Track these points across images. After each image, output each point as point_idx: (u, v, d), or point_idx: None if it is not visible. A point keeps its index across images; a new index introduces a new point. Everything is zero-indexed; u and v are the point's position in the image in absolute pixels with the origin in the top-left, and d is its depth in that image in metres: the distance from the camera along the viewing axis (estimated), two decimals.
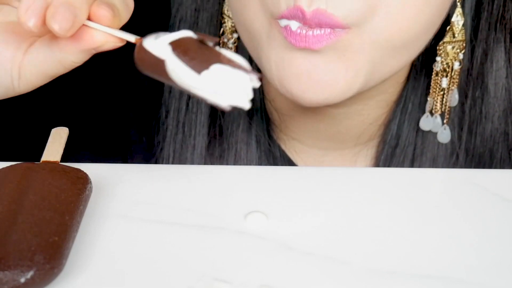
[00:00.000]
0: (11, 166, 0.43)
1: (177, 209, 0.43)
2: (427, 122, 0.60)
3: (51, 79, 0.46)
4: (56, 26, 0.41)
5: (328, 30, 0.48)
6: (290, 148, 0.64)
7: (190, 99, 0.62)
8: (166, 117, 0.63)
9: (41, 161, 0.44)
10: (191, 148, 0.62)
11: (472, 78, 0.60)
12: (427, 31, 0.52)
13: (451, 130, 0.61)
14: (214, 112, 0.62)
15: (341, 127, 0.61)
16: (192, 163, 0.62)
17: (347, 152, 0.63)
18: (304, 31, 0.48)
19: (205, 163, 0.62)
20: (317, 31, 0.48)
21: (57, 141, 0.46)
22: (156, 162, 0.63)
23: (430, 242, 0.41)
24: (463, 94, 0.60)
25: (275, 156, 0.62)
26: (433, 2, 0.50)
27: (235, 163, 0.61)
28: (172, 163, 0.62)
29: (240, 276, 0.38)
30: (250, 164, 0.61)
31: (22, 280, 0.35)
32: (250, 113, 0.62)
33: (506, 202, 0.45)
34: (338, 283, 0.38)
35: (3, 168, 0.43)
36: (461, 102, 0.60)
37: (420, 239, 0.42)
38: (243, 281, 0.38)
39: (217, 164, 0.62)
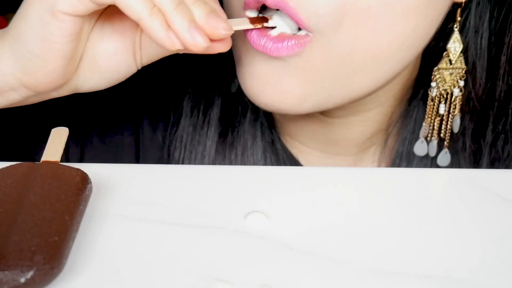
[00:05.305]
0: (11, 166, 0.43)
1: (177, 209, 0.43)
2: (421, 148, 0.59)
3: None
4: (223, 31, 0.45)
5: (292, 41, 0.48)
6: (292, 148, 0.64)
7: (202, 100, 0.62)
8: (181, 110, 0.63)
9: (41, 161, 0.44)
10: (203, 142, 0.62)
11: (494, 113, 0.58)
12: (400, 50, 0.51)
13: (458, 156, 0.59)
14: (224, 109, 0.62)
15: (340, 135, 0.61)
16: (204, 151, 0.62)
17: (350, 159, 0.63)
18: (263, 40, 0.49)
19: (216, 151, 0.62)
20: (278, 44, 0.48)
21: (57, 141, 0.46)
22: (168, 148, 0.63)
23: (430, 242, 0.41)
24: (478, 124, 0.59)
25: (278, 152, 0.62)
26: (405, 20, 0.49)
27: (242, 156, 0.62)
28: (185, 147, 0.62)
29: (240, 276, 0.38)
30: (256, 157, 0.61)
31: (22, 280, 0.35)
32: (254, 113, 0.62)
33: (506, 202, 0.45)
34: (338, 283, 0.38)
35: (3, 168, 0.43)
36: (474, 131, 0.59)
37: (420, 239, 0.42)
38: (243, 281, 0.38)
39: (227, 152, 0.62)
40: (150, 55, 0.50)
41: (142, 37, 0.49)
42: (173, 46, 0.44)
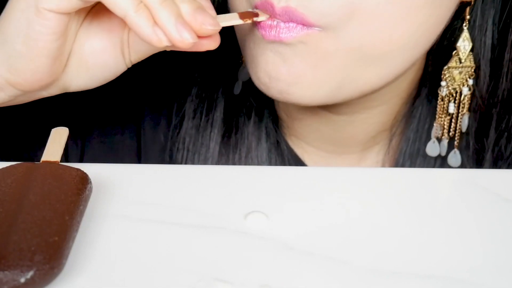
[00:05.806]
0: (11, 166, 0.43)
1: (177, 209, 0.43)
2: (433, 148, 0.59)
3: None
4: (210, 27, 0.45)
5: (301, 26, 0.48)
6: (297, 149, 0.64)
7: (205, 101, 0.62)
8: (183, 112, 0.63)
9: (41, 161, 0.44)
10: (206, 144, 0.62)
11: (497, 112, 0.58)
12: (408, 46, 0.51)
13: (462, 155, 0.59)
14: (228, 110, 0.62)
15: (345, 133, 0.61)
16: (207, 153, 0.62)
17: (354, 158, 0.63)
18: (275, 22, 0.48)
19: (219, 153, 0.62)
20: (289, 24, 0.48)
21: (57, 141, 0.46)
22: (170, 151, 0.63)
23: (431, 242, 0.41)
24: (481, 123, 0.59)
25: (283, 153, 0.62)
26: (412, 17, 0.49)
27: (246, 158, 0.62)
28: (188, 149, 0.62)
29: (240, 276, 0.38)
30: (260, 159, 0.61)
31: (22, 280, 0.35)
32: (259, 113, 0.62)
33: (507, 202, 0.45)
34: (338, 283, 0.38)
35: (3, 168, 0.43)
36: (477, 130, 0.59)
37: (421, 239, 0.41)
38: (243, 281, 0.38)
39: (231, 154, 0.62)
40: (138, 53, 0.50)
41: (130, 35, 0.49)
42: (160, 42, 0.44)
